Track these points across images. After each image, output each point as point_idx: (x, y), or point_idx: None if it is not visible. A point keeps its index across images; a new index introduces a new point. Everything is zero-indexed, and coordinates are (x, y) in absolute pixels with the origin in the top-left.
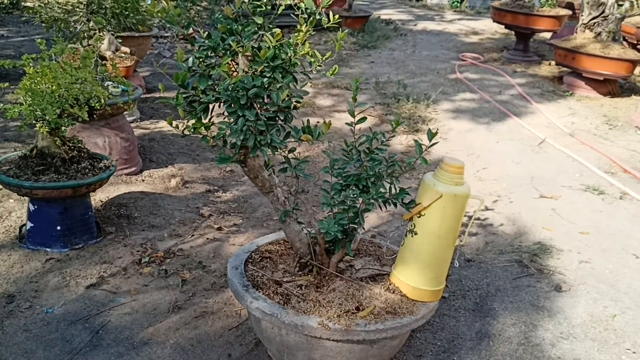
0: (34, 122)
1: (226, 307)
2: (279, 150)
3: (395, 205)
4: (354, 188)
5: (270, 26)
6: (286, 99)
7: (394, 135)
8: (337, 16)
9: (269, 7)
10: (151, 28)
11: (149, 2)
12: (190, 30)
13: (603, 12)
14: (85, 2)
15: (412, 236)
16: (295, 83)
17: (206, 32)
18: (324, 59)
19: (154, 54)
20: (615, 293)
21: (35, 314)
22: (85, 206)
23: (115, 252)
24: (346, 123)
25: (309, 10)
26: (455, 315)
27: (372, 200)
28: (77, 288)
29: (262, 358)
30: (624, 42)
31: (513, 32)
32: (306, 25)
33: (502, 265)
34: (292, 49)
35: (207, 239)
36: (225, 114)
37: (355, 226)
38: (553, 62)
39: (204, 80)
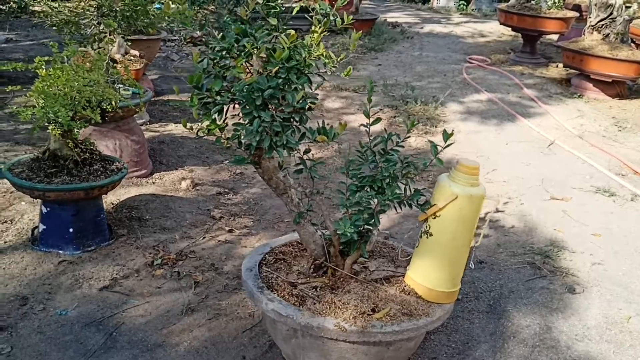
0: (46, 124)
1: (239, 309)
2: (294, 151)
3: (410, 206)
4: (369, 189)
5: (285, 27)
6: (301, 100)
7: (408, 136)
8: (350, 17)
9: (283, 9)
10: (160, 31)
11: (157, 6)
12: (198, 33)
13: (611, 14)
14: (96, 5)
15: (427, 237)
16: (309, 84)
17: (220, 34)
18: (338, 60)
19: (161, 57)
20: (629, 295)
21: (49, 316)
22: (97, 208)
23: (128, 254)
24: (361, 124)
25: (323, 12)
26: (469, 317)
27: (387, 202)
28: (90, 290)
29: None
30: (632, 44)
31: (520, 35)
32: (320, 27)
33: (515, 266)
34: (306, 50)
35: (219, 241)
36: (240, 115)
37: (371, 227)
38: (560, 64)
39: (218, 82)
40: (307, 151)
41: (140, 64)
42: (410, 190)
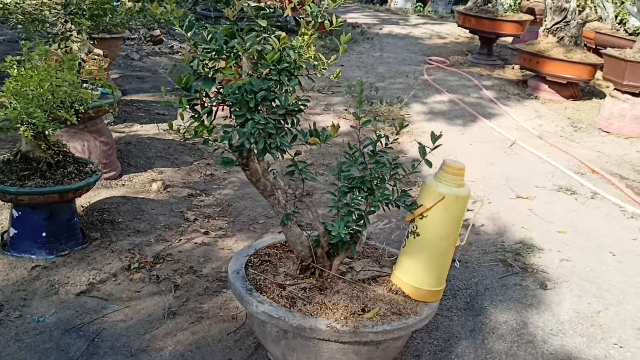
0: (17, 125)
1: (222, 311)
2: (286, 153)
3: (398, 207)
4: (359, 191)
5: (273, 29)
6: (294, 102)
7: (397, 138)
8: (339, 20)
9: (272, 10)
10: (123, 30)
11: (115, 4)
12: (158, 32)
13: (565, 17)
14: (63, 3)
15: (414, 237)
16: (299, 86)
17: (209, 35)
18: (329, 62)
19: (121, 57)
20: (597, 290)
21: (26, 323)
22: (70, 212)
23: (103, 258)
24: (351, 126)
25: (314, 14)
26: (448, 314)
27: (377, 203)
28: (67, 296)
29: None
30: (584, 47)
31: (477, 37)
32: (311, 29)
33: (488, 264)
34: (296, 52)
35: (195, 243)
36: (229, 117)
37: (360, 228)
38: (516, 66)
39: (209, 83)
40: (297, 153)
41: (105, 63)
42: (397, 191)
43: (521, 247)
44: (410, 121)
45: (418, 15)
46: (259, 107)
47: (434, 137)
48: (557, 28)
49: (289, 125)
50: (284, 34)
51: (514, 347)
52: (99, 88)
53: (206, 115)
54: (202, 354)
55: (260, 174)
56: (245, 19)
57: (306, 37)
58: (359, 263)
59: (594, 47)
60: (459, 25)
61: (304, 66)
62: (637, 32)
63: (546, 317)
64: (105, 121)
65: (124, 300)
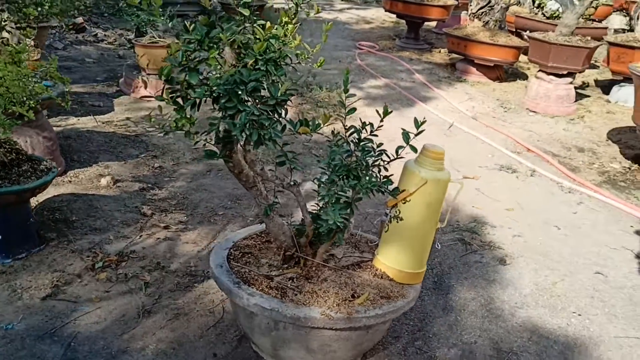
0: None
1: (197, 306)
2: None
3: (383, 192)
4: (347, 179)
5: (255, 18)
6: (284, 92)
7: (382, 125)
8: (319, 8)
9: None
10: (49, 19)
11: None
12: (80, 20)
13: (489, 2)
14: None
15: (397, 222)
16: (284, 76)
17: (193, 25)
18: (314, 51)
19: (44, 46)
20: (550, 262)
21: None
22: (26, 213)
23: (64, 259)
24: (337, 114)
25: (298, 2)
26: (419, 295)
27: (365, 190)
28: (32, 300)
29: (247, 354)
30: (508, 31)
31: (402, 21)
32: (294, 18)
33: (447, 244)
34: (281, 41)
35: (157, 238)
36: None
37: (347, 216)
38: (443, 50)
39: (194, 75)
40: (286, 143)
41: (37, 54)
42: (380, 178)
43: (476, 225)
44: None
45: (342, 0)
46: (249, 99)
47: (417, 124)
48: (482, 12)
49: (278, 116)
50: (268, 23)
51: (485, 322)
52: (44, 81)
53: (189, 107)
54: (185, 351)
55: (243, 166)
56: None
57: (290, 26)
58: (338, 250)
59: (515, 30)
60: (386, 10)
61: (290, 56)
62: (554, 15)
63: (509, 292)
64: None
65: (94, 302)
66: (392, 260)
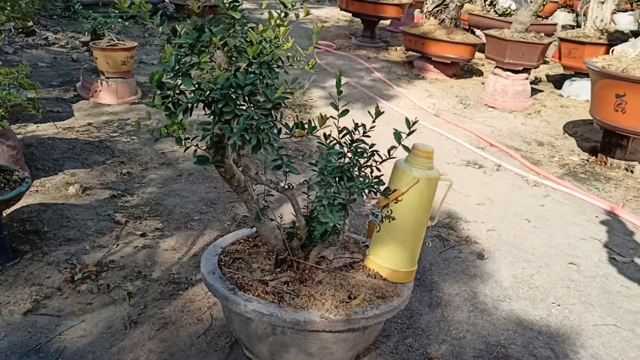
0: None
1: (185, 314)
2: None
3: (375, 193)
4: (341, 181)
5: (245, 21)
6: (281, 95)
7: (374, 126)
8: (308, 9)
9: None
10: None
11: None
12: (30, 23)
13: (444, 0)
14: None
15: (389, 222)
16: (276, 79)
17: (183, 29)
18: (306, 53)
19: None
20: (525, 255)
21: None
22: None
23: (40, 272)
24: (331, 116)
25: (289, 5)
26: None
27: (360, 191)
28: (13, 316)
29: None
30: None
31: (357, 19)
32: (284, 19)
33: (426, 240)
34: (273, 44)
35: (135, 246)
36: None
37: (343, 218)
38: (399, 48)
39: (188, 80)
40: (281, 147)
41: None
42: (371, 178)
43: (450, 221)
44: (315, 106)
45: None
46: (245, 103)
47: (409, 123)
48: (438, 10)
49: (274, 119)
50: (261, 26)
51: (471, 317)
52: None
53: (182, 113)
54: None
55: (234, 171)
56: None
57: (282, 28)
58: (328, 252)
59: (468, 27)
60: (341, 9)
61: (283, 58)
62: (506, 12)
63: (491, 285)
64: None
65: (77, 315)
66: (384, 259)
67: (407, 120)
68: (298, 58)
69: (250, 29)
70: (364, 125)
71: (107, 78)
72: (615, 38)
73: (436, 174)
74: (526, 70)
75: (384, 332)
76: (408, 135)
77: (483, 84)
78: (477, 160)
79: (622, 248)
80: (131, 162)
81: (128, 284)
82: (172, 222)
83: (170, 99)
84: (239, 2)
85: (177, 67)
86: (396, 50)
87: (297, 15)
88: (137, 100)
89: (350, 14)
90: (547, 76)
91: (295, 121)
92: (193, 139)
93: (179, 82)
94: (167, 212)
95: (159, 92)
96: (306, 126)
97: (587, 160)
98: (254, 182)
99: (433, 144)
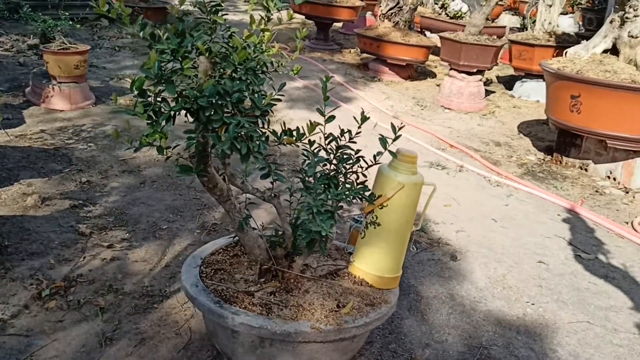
0: None
1: (162, 328)
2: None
3: (361, 199)
4: (329, 188)
5: (228, 26)
6: (268, 102)
7: (360, 132)
8: (291, 13)
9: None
10: None
11: None
12: None
13: (398, 2)
14: None
15: (374, 227)
16: (262, 85)
17: (165, 34)
18: (293, 57)
19: None
20: (495, 255)
21: None
22: None
23: (5, 289)
24: (317, 122)
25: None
26: None
27: (347, 198)
28: None
29: None
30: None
31: (310, 21)
32: (270, 25)
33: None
34: (259, 49)
35: (104, 259)
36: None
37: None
38: (353, 50)
39: (172, 87)
40: (268, 154)
41: None
42: (355, 185)
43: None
44: (275, 109)
45: (245, 1)
46: (233, 110)
47: (395, 129)
48: (392, 13)
49: (262, 126)
50: (246, 31)
51: (451, 319)
52: None
53: (164, 121)
54: None
55: (217, 180)
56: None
57: (267, 34)
58: (311, 259)
59: (420, 30)
60: (294, 12)
61: (269, 64)
62: (457, 15)
63: (466, 287)
64: None
65: (48, 334)
66: (370, 266)
67: (392, 125)
68: (283, 63)
69: (233, 34)
70: (349, 132)
71: (59, 83)
72: (563, 40)
73: (421, 179)
74: (480, 72)
75: (367, 338)
76: (394, 141)
77: (438, 85)
78: (439, 162)
79: (586, 245)
80: (90, 170)
81: (99, 298)
82: (139, 232)
83: (151, 107)
84: (221, 6)
85: (159, 73)
86: (350, 52)
87: (279, 20)
88: (91, 106)
89: (303, 16)
90: (498, 77)
91: (283, 128)
92: (174, 147)
93: (161, 89)
94: (133, 222)
95: (139, 99)
96: (294, 133)
97: (544, 160)
98: (241, 191)
99: (395, 146)
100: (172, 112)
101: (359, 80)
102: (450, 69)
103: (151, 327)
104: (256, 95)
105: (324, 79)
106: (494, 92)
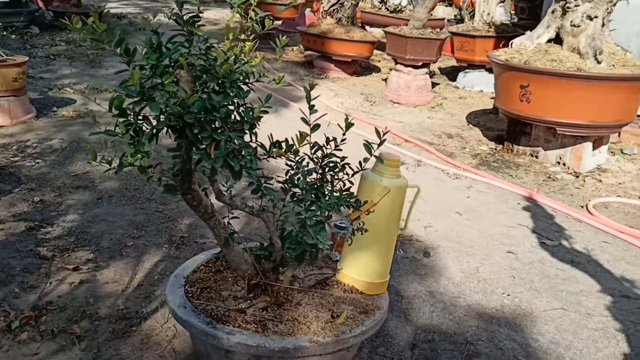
0: None
1: (145, 352)
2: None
3: (348, 207)
4: (320, 199)
5: (206, 37)
6: (258, 114)
7: (345, 139)
8: (269, 21)
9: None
10: None
11: None
12: None
13: None
14: None
15: (362, 234)
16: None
17: (144, 50)
18: (276, 66)
19: None
20: (465, 248)
21: None
22: None
23: None
24: (305, 132)
25: (258, 18)
26: None
27: (336, 207)
28: None
29: None
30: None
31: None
32: (250, 34)
33: None
34: (240, 60)
35: (71, 283)
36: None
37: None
38: (295, 48)
39: (156, 105)
40: (257, 169)
41: None
42: (341, 192)
43: None
44: None
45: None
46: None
47: (379, 133)
48: (334, 9)
49: (250, 140)
50: (227, 42)
51: (434, 318)
52: None
53: (147, 140)
54: None
55: (201, 197)
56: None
57: (249, 44)
58: (298, 270)
59: (361, 25)
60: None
61: (251, 76)
62: (397, 9)
63: (443, 283)
64: None
65: None
66: (359, 272)
67: (376, 131)
68: (264, 73)
69: (213, 45)
70: (335, 139)
71: None
72: (502, 30)
73: (405, 182)
74: (426, 65)
75: None
76: (379, 146)
77: (384, 80)
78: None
79: (548, 232)
80: (42, 188)
81: (74, 326)
82: (104, 251)
83: (132, 126)
84: (199, 17)
85: (141, 91)
86: (293, 50)
87: (258, 31)
88: (33, 119)
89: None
90: (440, 69)
91: (271, 140)
92: (156, 166)
93: (141, 107)
94: (95, 241)
95: (120, 119)
96: (283, 145)
97: (495, 149)
98: (230, 208)
99: (350, 144)
100: (155, 131)
101: (306, 78)
102: (396, 63)
103: (133, 351)
104: (242, 108)
105: (308, 87)
106: (438, 84)
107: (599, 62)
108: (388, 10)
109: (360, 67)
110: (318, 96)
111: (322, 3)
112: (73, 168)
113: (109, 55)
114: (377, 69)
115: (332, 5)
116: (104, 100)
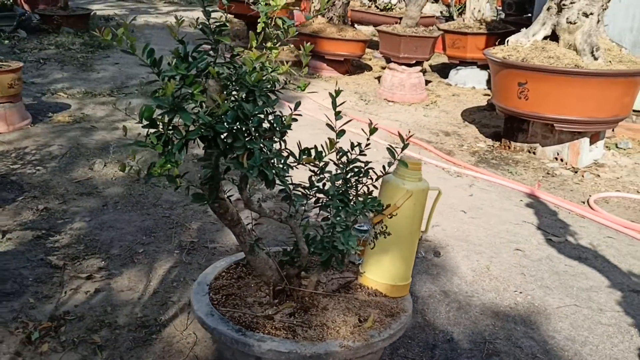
0: None
1: None
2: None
3: (372, 211)
4: (348, 204)
5: (232, 46)
6: (289, 122)
7: (369, 143)
8: (294, 29)
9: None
10: None
11: None
12: None
13: None
14: None
15: (384, 237)
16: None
17: (174, 60)
18: (302, 74)
19: None
20: (473, 247)
21: None
22: None
23: None
24: (334, 139)
25: (286, 26)
26: None
27: (363, 212)
28: None
29: None
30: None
31: (237, 20)
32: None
33: None
34: (270, 68)
35: (86, 292)
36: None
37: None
38: (286, 47)
39: (187, 115)
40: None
41: None
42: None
43: None
44: None
45: (166, 3)
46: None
47: (402, 137)
48: (325, 9)
49: (281, 148)
50: (255, 51)
51: (451, 317)
52: None
53: (178, 150)
54: None
55: (227, 205)
56: None
57: (275, 51)
58: (321, 275)
59: (351, 23)
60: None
61: (278, 83)
62: (387, 7)
63: (456, 282)
64: None
65: None
66: (383, 276)
67: (399, 134)
68: (290, 81)
69: (239, 53)
70: (359, 144)
71: None
72: (493, 27)
73: (427, 185)
74: (419, 63)
75: None
76: (403, 150)
77: (376, 78)
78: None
79: (553, 228)
80: (45, 195)
81: (94, 335)
82: (115, 258)
83: (164, 137)
84: (226, 26)
85: (173, 101)
86: (284, 49)
87: (281, 35)
88: (29, 126)
89: (231, 16)
90: (431, 66)
91: (300, 148)
92: (184, 175)
93: (171, 117)
94: (105, 248)
95: (151, 130)
96: (312, 152)
97: (493, 146)
98: (259, 215)
99: (348, 143)
100: (185, 140)
101: (299, 78)
102: (390, 61)
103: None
104: (271, 116)
105: (334, 93)
106: (430, 81)
107: (595, 59)
108: (378, 8)
109: (352, 66)
110: (315, 92)
111: (312, 2)
112: (75, 174)
113: (99, 58)
114: (369, 68)
115: None
116: (99, 104)
